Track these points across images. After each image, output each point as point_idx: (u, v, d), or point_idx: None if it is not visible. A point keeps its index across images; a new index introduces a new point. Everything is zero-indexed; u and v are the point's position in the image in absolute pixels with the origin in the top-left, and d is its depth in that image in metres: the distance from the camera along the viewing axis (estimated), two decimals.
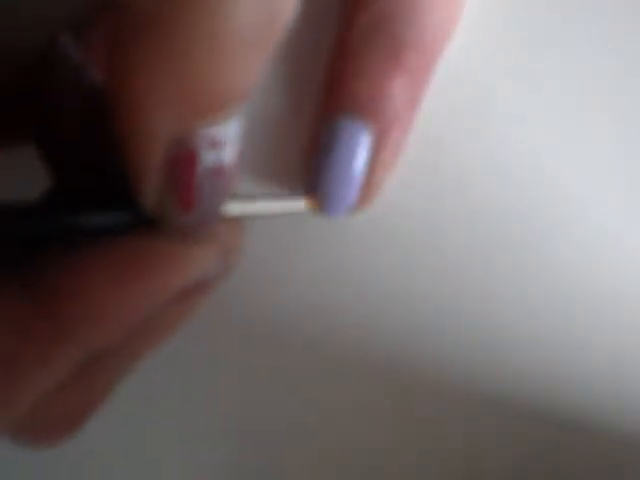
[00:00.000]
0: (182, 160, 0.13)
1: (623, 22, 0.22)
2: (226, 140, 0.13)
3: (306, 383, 0.23)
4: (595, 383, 0.23)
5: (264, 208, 0.18)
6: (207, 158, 0.13)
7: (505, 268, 0.22)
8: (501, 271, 0.22)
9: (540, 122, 0.22)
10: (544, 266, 0.22)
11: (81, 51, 0.15)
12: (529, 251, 0.22)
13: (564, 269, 0.22)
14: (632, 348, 0.22)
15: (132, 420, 0.23)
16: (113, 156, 0.14)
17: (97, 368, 0.15)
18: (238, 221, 0.16)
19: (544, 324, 0.22)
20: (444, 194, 0.22)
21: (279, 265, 0.22)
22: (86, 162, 0.15)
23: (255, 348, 0.23)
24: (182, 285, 0.14)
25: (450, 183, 0.22)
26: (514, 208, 0.22)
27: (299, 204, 0.20)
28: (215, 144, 0.13)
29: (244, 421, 0.23)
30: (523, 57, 0.22)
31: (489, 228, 0.22)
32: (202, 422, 0.23)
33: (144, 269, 0.14)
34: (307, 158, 0.21)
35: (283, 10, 0.12)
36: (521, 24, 0.22)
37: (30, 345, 0.13)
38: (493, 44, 0.22)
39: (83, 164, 0.15)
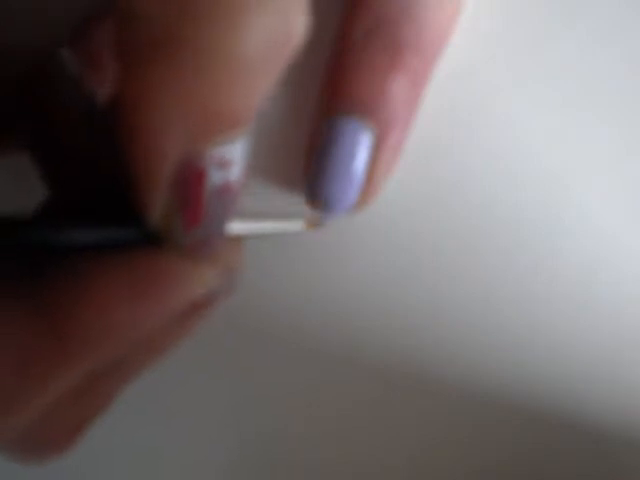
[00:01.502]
0: (190, 178, 0.13)
1: (623, 22, 0.22)
2: (234, 159, 0.13)
3: (306, 383, 0.23)
4: (595, 383, 0.23)
5: (264, 228, 0.18)
6: (215, 176, 0.13)
7: (505, 268, 0.22)
8: (501, 271, 0.22)
9: (540, 122, 0.22)
10: (544, 266, 0.22)
11: (81, 62, 0.15)
12: (529, 251, 0.22)
13: (564, 269, 0.22)
14: (632, 348, 0.22)
15: (131, 423, 0.23)
16: (113, 168, 0.14)
17: (98, 382, 0.15)
18: (239, 239, 0.16)
19: (544, 324, 0.22)
20: (444, 194, 0.22)
21: (279, 265, 0.22)
22: (84, 173, 0.15)
23: (255, 349, 0.23)
24: (186, 303, 0.14)
25: (450, 183, 0.22)
26: (514, 208, 0.22)
27: (297, 225, 0.20)
28: (223, 163, 0.13)
29: (244, 423, 0.23)
30: (523, 57, 0.22)
31: (489, 228, 0.22)
32: (201, 424, 0.23)
33: (149, 287, 0.14)
34: (307, 158, 0.21)
35: (294, 33, 0.12)
36: (521, 24, 0.22)
37: (34, 363, 0.13)
38: (493, 44, 0.22)
39: (81, 175, 0.15)
